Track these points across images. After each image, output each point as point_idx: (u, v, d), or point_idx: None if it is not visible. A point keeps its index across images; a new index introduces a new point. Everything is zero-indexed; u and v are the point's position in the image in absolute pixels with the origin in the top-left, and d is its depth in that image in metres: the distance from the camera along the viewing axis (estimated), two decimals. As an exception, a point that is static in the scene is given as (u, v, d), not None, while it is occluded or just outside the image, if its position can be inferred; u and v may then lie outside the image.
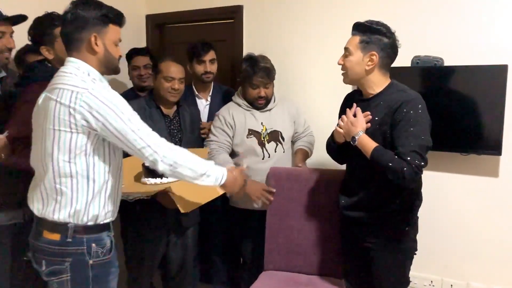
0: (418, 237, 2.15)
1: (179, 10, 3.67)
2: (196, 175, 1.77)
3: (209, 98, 3.09)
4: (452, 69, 2.62)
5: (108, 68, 1.79)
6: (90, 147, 1.68)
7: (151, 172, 1.93)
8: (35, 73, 2.15)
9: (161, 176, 1.92)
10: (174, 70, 2.54)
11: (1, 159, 1.98)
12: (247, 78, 2.70)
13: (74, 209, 1.70)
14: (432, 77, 2.67)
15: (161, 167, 1.70)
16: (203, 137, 2.84)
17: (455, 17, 2.65)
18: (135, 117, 1.70)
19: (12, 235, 2.11)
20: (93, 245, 1.73)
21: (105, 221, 1.78)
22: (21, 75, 2.30)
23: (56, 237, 1.71)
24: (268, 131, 2.76)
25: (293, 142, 2.93)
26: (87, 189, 1.70)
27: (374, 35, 2.00)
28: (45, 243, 1.72)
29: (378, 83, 2.05)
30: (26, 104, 1.87)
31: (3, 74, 2.17)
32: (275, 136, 2.77)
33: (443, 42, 2.67)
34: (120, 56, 1.84)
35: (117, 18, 1.77)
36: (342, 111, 2.25)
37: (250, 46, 3.35)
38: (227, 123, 2.73)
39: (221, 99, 3.06)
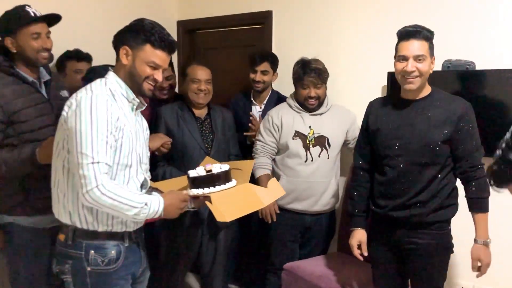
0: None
1: (209, 16, 3.75)
2: (133, 207, 1.68)
3: (263, 106, 3.16)
4: (484, 73, 2.59)
5: (132, 83, 1.80)
6: None
7: (194, 184, 1.97)
8: (97, 74, 2.19)
9: (203, 187, 1.96)
10: (199, 72, 2.66)
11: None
12: (298, 79, 2.76)
13: (68, 211, 1.74)
14: (463, 81, 2.64)
15: (91, 194, 1.62)
16: (248, 136, 2.96)
17: (486, 20, 2.62)
18: (100, 137, 1.64)
19: (51, 238, 2.14)
20: (92, 251, 1.73)
21: (112, 230, 1.76)
22: (83, 77, 2.38)
23: (62, 237, 1.77)
24: (315, 135, 2.76)
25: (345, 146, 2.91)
26: (72, 192, 1.72)
27: (432, 39, 2.13)
28: (57, 242, 1.80)
29: (427, 85, 2.18)
30: None
31: (48, 77, 2.22)
32: (321, 141, 2.77)
33: (475, 46, 2.64)
34: (155, 80, 1.80)
35: (157, 42, 1.76)
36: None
37: (279, 51, 3.39)
38: (274, 124, 2.80)
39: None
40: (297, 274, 2.71)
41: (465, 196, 2.15)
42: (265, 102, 3.16)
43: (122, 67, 1.80)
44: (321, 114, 2.81)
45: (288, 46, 3.37)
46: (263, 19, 3.46)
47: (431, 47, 2.11)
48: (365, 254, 2.30)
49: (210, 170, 1.97)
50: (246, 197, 1.97)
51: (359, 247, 2.31)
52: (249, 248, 3.20)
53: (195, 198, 1.94)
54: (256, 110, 3.15)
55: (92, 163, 1.61)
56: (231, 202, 1.93)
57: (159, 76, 1.81)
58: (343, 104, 3.01)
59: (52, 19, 2.18)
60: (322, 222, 2.88)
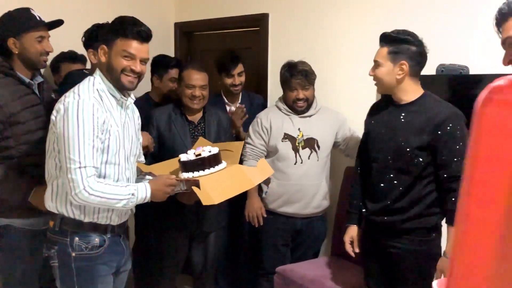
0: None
1: (206, 18, 3.76)
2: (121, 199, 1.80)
3: (237, 105, 3.16)
4: (477, 78, 2.58)
5: (112, 78, 1.86)
6: None
7: (185, 168, 2.02)
8: (74, 79, 2.23)
9: (193, 171, 2.01)
10: (195, 77, 2.60)
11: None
12: (285, 81, 2.77)
13: (56, 206, 1.84)
14: (457, 85, 2.64)
15: (80, 195, 1.73)
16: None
17: (480, 25, 2.62)
18: (87, 142, 1.73)
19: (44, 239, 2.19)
20: (76, 238, 1.84)
21: (97, 222, 1.86)
22: (60, 82, 2.40)
23: (51, 224, 1.87)
24: (305, 137, 2.77)
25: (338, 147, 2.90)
26: (62, 189, 1.82)
27: (402, 44, 2.06)
28: (48, 228, 1.92)
29: (410, 90, 2.12)
30: None
31: (41, 79, 2.23)
32: (311, 143, 2.77)
33: (469, 50, 2.64)
34: (132, 71, 1.85)
35: (126, 32, 1.82)
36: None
37: (275, 54, 3.40)
38: (263, 126, 2.81)
39: (250, 106, 3.12)
40: (289, 277, 2.71)
41: (443, 208, 2.07)
42: (239, 102, 3.17)
43: (102, 65, 1.87)
44: (310, 116, 2.82)
45: (284, 49, 3.37)
46: (260, 21, 3.47)
47: (393, 52, 2.06)
48: (357, 250, 2.30)
49: (200, 154, 2.02)
50: (235, 178, 2.01)
51: (352, 243, 2.30)
52: (241, 252, 3.20)
53: (187, 180, 2.01)
54: (232, 110, 3.15)
55: (80, 167, 1.72)
56: (220, 184, 1.97)
57: (136, 66, 1.86)
58: (339, 108, 3.01)
59: (56, 24, 2.21)
60: (313, 225, 2.88)
